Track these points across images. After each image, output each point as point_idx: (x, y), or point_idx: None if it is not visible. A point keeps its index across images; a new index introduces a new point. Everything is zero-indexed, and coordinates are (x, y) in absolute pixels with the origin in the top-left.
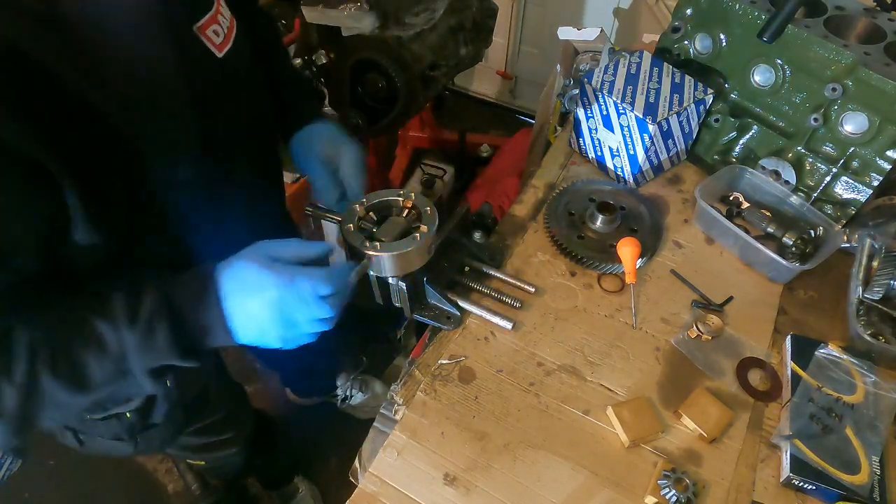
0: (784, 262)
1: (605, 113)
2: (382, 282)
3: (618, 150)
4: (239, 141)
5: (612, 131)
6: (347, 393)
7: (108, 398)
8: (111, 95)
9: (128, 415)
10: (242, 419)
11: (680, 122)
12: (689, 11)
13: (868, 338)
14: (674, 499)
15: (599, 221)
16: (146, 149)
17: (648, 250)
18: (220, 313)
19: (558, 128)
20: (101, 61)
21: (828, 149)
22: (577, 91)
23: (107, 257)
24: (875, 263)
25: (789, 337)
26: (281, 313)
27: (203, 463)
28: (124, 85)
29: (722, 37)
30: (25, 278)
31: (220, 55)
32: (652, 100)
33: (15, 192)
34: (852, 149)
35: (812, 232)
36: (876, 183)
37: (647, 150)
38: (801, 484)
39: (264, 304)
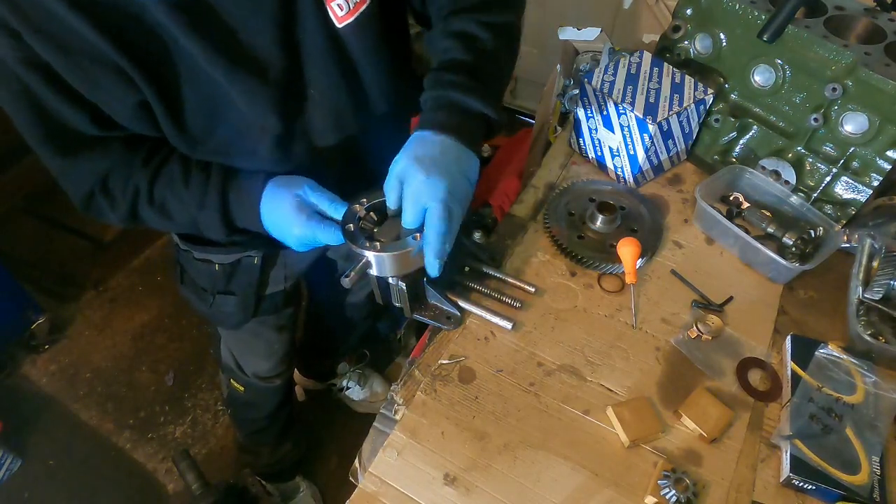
0: (784, 262)
1: (605, 113)
2: (382, 282)
3: (618, 150)
4: (325, 119)
5: (612, 131)
6: (346, 383)
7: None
8: (189, 32)
9: (216, 266)
10: (289, 353)
11: (680, 122)
12: (689, 11)
13: (868, 338)
14: (674, 499)
15: (599, 221)
16: (226, 94)
17: (648, 250)
18: (260, 222)
19: (558, 128)
20: None
21: (828, 149)
22: (577, 91)
23: (188, 146)
24: (875, 263)
25: (789, 337)
26: (297, 242)
27: (242, 389)
28: (203, 21)
29: (722, 37)
30: (147, 139)
31: (339, 25)
32: (652, 100)
33: (108, 82)
34: (852, 149)
35: (812, 232)
36: (876, 183)
37: (647, 150)
38: (801, 484)
39: (286, 233)
